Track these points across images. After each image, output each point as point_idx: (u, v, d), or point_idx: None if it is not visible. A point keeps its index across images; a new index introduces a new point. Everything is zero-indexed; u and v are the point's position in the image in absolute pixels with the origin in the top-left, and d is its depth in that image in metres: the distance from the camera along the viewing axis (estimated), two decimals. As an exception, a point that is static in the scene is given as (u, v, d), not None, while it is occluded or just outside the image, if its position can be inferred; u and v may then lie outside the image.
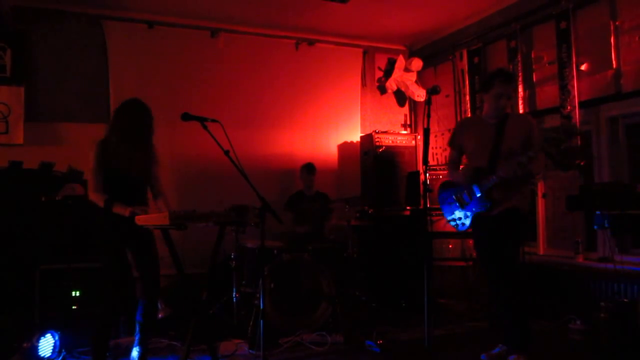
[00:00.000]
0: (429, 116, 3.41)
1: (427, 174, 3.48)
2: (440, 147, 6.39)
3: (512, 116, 3.63)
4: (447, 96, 6.22)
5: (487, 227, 3.57)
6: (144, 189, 3.61)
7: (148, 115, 3.48)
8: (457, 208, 3.73)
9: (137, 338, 3.53)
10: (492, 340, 3.82)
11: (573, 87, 4.60)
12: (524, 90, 5.17)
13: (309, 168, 5.54)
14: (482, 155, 3.55)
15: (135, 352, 3.51)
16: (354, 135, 6.49)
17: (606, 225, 3.72)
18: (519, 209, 3.50)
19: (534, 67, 5.15)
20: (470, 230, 3.75)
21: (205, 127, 3.30)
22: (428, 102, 3.46)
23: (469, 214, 3.65)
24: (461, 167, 3.89)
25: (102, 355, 3.32)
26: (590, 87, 4.57)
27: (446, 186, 3.85)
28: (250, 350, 3.96)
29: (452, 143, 3.84)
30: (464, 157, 3.87)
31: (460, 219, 3.72)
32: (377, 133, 6.04)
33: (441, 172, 5.51)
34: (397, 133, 6.28)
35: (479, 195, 3.54)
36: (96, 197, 3.33)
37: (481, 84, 3.75)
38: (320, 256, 4.64)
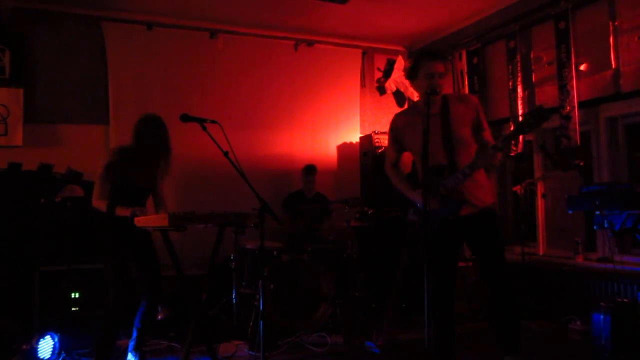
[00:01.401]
0: (428, 117, 3.39)
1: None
2: (439, 148, 6.37)
3: (451, 100, 3.15)
4: (446, 97, 6.21)
5: (458, 234, 3.16)
6: (147, 198, 3.68)
7: (166, 134, 3.56)
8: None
9: (132, 344, 3.52)
10: (492, 341, 3.80)
11: (572, 87, 4.60)
12: (523, 90, 5.16)
13: (309, 169, 5.55)
14: (437, 152, 3.09)
15: (130, 357, 3.51)
16: (354, 136, 6.49)
17: (606, 225, 3.72)
18: (489, 209, 3.13)
19: (533, 67, 5.16)
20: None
21: (204, 128, 3.30)
22: (427, 102, 3.45)
23: (435, 218, 3.10)
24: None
25: (106, 358, 3.31)
26: (590, 88, 4.57)
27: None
28: (250, 352, 3.96)
29: (391, 143, 3.38)
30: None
31: (422, 221, 3.12)
32: (377, 134, 6.04)
33: (441, 172, 5.49)
34: (396, 134, 6.27)
35: (444, 195, 3.08)
36: (99, 204, 3.37)
37: (408, 73, 3.19)
38: (320, 257, 4.64)
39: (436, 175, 3.10)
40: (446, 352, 3.24)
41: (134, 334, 3.52)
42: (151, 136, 3.46)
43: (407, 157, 3.44)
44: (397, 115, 3.38)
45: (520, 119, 2.88)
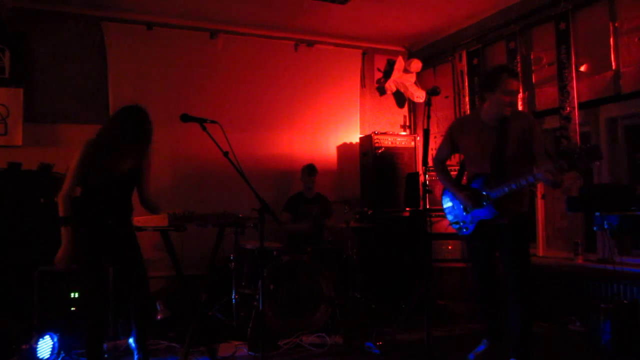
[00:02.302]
0: (428, 117, 3.41)
1: (427, 175, 3.47)
2: (439, 149, 6.37)
3: (513, 116, 3.32)
4: (446, 97, 6.22)
5: (493, 236, 3.41)
6: (128, 197, 3.40)
7: (149, 123, 3.27)
8: (461, 211, 3.53)
9: (132, 342, 3.43)
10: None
11: (572, 88, 4.60)
12: (524, 91, 5.16)
13: (310, 169, 5.52)
14: (484, 161, 3.37)
15: (131, 340, 3.43)
16: (353, 137, 6.49)
17: (605, 226, 3.72)
18: (522, 215, 3.37)
19: (533, 68, 5.15)
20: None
21: (204, 129, 3.29)
22: (427, 103, 3.46)
23: (473, 219, 3.45)
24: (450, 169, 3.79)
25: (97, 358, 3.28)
26: (590, 88, 4.57)
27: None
28: (250, 352, 3.95)
29: (445, 142, 3.63)
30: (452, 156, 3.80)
31: (464, 222, 3.53)
32: (377, 134, 6.04)
33: (440, 173, 5.50)
34: (396, 134, 6.28)
35: (487, 203, 3.32)
36: (65, 202, 3.10)
37: (484, 82, 3.51)
38: (320, 258, 4.64)
39: (482, 183, 3.36)
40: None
41: (133, 333, 3.46)
42: (129, 128, 3.18)
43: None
44: (458, 119, 3.76)
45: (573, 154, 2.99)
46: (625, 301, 3.91)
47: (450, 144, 3.58)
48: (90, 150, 3.16)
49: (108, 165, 3.17)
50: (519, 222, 3.34)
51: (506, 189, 3.20)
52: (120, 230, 3.23)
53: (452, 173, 3.78)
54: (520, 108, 5.12)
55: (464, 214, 3.50)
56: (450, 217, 3.65)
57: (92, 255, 3.19)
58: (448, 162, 3.76)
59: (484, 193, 3.33)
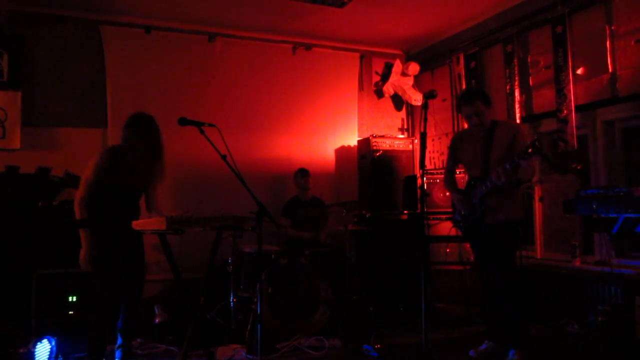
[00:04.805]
0: (425, 120, 3.42)
1: (424, 178, 3.50)
2: (437, 151, 6.40)
3: (499, 125, 3.81)
4: (444, 100, 6.23)
5: (481, 234, 3.80)
6: (138, 200, 3.55)
7: (159, 133, 3.45)
8: (459, 213, 3.98)
9: (118, 353, 3.45)
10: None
11: (569, 91, 4.61)
12: (521, 94, 5.18)
13: (302, 172, 5.54)
14: (476, 166, 3.81)
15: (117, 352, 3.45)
16: (352, 140, 6.50)
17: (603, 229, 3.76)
18: (511, 221, 3.68)
19: (530, 71, 5.17)
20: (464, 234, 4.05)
21: (202, 132, 3.30)
22: (425, 106, 3.47)
23: (467, 219, 3.88)
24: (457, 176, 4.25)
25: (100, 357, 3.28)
26: (587, 91, 4.59)
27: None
28: (248, 355, 3.95)
29: (449, 154, 4.13)
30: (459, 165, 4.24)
31: (462, 223, 3.98)
32: (375, 137, 6.05)
33: (438, 176, 5.52)
34: (394, 137, 6.28)
35: (474, 202, 3.75)
36: (82, 208, 3.22)
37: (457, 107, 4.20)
38: (318, 260, 4.64)
39: (471, 186, 3.80)
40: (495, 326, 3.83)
41: (119, 341, 3.46)
42: (145, 137, 3.35)
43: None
44: (456, 133, 4.42)
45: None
46: (622, 303, 3.91)
47: (453, 156, 4.07)
48: (108, 159, 3.27)
49: (131, 175, 3.31)
50: (505, 225, 3.66)
51: (484, 187, 3.63)
52: (132, 233, 3.28)
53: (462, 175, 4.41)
54: (517, 112, 5.14)
55: (462, 215, 3.93)
56: (455, 219, 4.11)
57: (107, 255, 3.27)
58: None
59: (470, 194, 3.79)
